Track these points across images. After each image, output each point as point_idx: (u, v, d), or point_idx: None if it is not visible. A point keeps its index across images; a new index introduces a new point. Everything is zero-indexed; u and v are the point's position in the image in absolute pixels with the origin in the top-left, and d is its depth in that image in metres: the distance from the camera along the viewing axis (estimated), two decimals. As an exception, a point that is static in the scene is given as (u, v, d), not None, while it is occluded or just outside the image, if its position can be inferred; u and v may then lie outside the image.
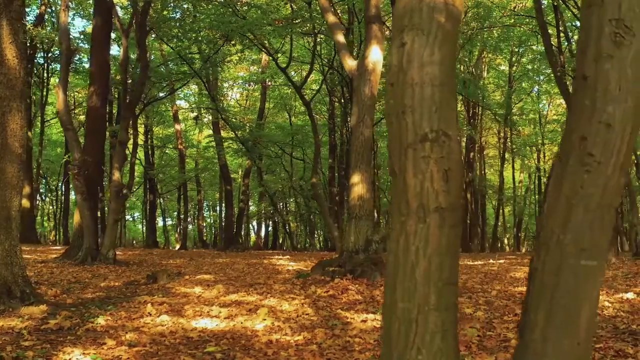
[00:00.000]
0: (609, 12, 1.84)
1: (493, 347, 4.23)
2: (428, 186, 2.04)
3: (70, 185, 23.44)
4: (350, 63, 9.12)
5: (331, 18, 9.63)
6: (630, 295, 6.65)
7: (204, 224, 38.04)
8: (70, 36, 25.89)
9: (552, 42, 14.50)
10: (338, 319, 5.18)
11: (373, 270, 7.77)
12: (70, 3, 21.59)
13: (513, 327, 4.88)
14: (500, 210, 29.58)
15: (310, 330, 4.74)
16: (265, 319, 5.07)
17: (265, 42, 18.39)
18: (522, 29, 19.97)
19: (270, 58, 19.76)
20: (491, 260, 13.31)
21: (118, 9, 21.88)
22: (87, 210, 11.01)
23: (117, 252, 14.69)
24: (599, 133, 1.80)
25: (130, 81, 13.25)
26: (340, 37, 9.49)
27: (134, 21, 11.99)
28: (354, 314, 5.35)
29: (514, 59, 23.66)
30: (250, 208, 33.32)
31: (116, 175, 11.36)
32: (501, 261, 13.11)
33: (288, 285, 7.33)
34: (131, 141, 22.17)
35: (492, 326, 4.92)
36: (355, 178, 8.48)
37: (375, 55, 8.82)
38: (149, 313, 5.38)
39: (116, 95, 22.87)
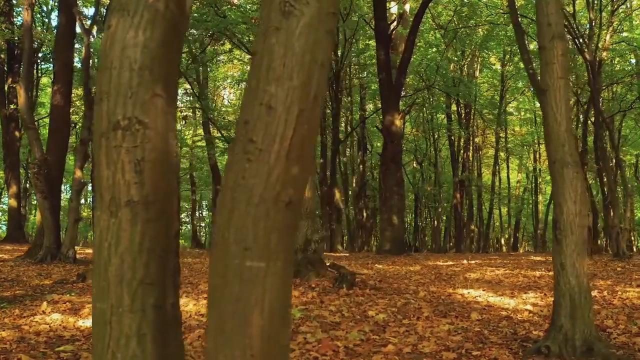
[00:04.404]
0: (284, -21, 1.64)
1: (364, 352, 4.02)
2: (119, 178, 1.87)
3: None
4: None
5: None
6: (563, 299, 6.34)
7: (203, 224, 38.22)
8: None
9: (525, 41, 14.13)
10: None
11: (309, 270, 7.58)
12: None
13: (404, 331, 4.66)
14: (497, 211, 29.11)
15: (190, 331, 4.57)
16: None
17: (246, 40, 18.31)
18: (510, 28, 19.52)
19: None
20: (464, 261, 13.00)
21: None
22: (47, 209, 11.00)
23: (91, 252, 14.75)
24: (260, 116, 1.61)
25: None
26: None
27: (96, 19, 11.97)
28: (252, 316, 5.16)
29: (506, 57, 23.20)
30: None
31: (77, 174, 11.32)
32: (473, 262, 12.79)
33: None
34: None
35: (383, 330, 4.71)
36: (298, 176, 8.29)
37: (322, 50, 8.62)
38: (42, 311, 5.28)
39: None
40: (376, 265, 11.41)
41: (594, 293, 6.93)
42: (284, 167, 1.60)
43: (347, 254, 17.26)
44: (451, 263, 12.35)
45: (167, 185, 1.95)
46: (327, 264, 8.35)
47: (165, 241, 1.95)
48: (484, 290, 7.11)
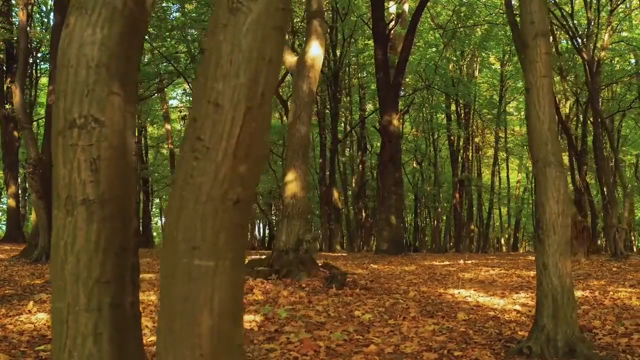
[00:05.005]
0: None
1: (346, 352, 4.00)
2: (75, 176, 1.86)
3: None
4: (290, 59, 8.93)
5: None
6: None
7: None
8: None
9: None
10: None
11: (300, 270, 7.56)
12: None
13: (389, 331, 4.64)
14: (497, 211, 29.05)
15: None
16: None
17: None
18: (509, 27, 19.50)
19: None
20: (461, 261, 12.97)
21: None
22: (42, 209, 11.01)
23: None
24: (207, 114, 1.60)
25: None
26: (283, 33, 9.30)
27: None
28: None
29: (505, 57, 23.15)
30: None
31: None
32: (470, 262, 12.76)
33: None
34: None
35: (368, 330, 4.69)
36: (290, 176, 8.28)
37: (315, 51, 8.61)
38: (28, 311, 5.28)
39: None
40: (371, 265, 11.39)
41: (586, 293, 6.91)
42: (232, 165, 1.59)
43: (345, 254, 17.25)
44: (447, 263, 12.33)
45: (124, 183, 1.94)
46: (320, 264, 8.33)
47: (122, 240, 1.94)
48: (475, 290, 7.08)
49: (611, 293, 6.88)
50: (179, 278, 1.63)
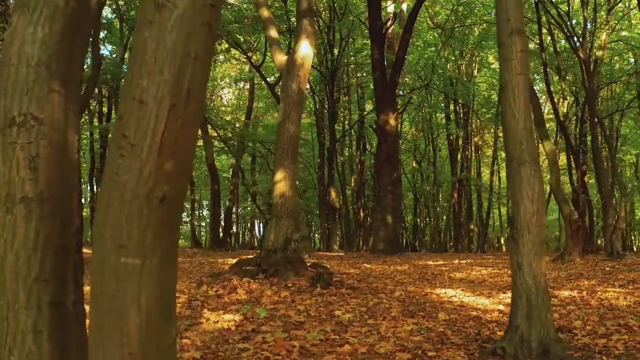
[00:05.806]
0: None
1: (319, 352, 3.99)
2: (14, 174, 1.87)
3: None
4: (280, 58, 8.92)
5: (265, 13, 9.46)
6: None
7: (204, 224, 38.34)
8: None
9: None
10: (194, 318, 5.01)
11: (287, 269, 7.56)
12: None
13: (366, 331, 4.63)
14: (497, 211, 28.95)
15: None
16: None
17: (241, 39, 18.35)
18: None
19: (261, 57, 19.76)
20: (455, 261, 12.94)
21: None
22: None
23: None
24: (132, 111, 1.59)
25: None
26: (273, 33, 9.31)
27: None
28: (218, 315, 5.15)
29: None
30: (248, 208, 33.54)
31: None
32: (464, 261, 12.73)
33: (193, 284, 7.18)
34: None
35: (345, 330, 4.68)
36: (279, 175, 8.29)
37: (305, 49, 8.61)
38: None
39: (106, 95, 23.36)
40: (365, 264, 11.38)
41: (574, 293, 6.87)
42: (156, 163, 1.58)
43: (342, 254, 17.24)
44: (441, 262, 12.30)
45: (65, 182, 1.94)
46: (309, 263, 8.33)
47: (62, 238, 1.93)
48: (462, 290, 7.06)
49: (599, 293, 6.84)
50: (106, 276, 1.63)
